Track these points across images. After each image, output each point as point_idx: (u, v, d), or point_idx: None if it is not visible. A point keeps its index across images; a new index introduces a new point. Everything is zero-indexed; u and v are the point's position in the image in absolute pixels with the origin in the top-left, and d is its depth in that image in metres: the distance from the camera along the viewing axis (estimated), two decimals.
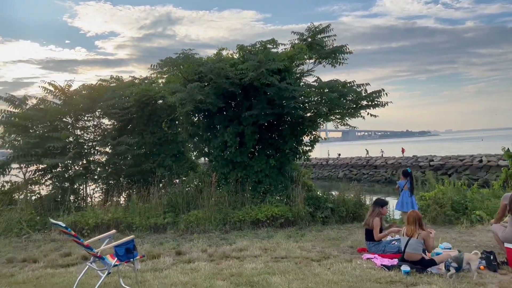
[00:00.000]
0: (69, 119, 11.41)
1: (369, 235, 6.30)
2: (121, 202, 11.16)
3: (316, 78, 10.29)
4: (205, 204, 9.62)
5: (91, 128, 11.52)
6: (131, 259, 4.70)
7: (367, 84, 9.19)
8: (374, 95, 9.20)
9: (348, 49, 10.62)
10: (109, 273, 4.62)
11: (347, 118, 10.65)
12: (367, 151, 54.93)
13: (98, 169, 11.42)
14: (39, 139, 10.44)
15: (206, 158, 11.53)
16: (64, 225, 4.37)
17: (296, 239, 7.46)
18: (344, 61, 10.73)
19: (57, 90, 10.94)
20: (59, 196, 10.96)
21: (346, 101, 9.14)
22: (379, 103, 9.31)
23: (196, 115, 10.50)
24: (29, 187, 11.65)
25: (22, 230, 9.13)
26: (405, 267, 5.05)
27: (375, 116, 9.66)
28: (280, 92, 9.07)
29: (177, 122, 12.88)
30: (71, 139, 11.04)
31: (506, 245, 5.18)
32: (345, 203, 9.77)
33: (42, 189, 11.71)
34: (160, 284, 5.11)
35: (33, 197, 11.40)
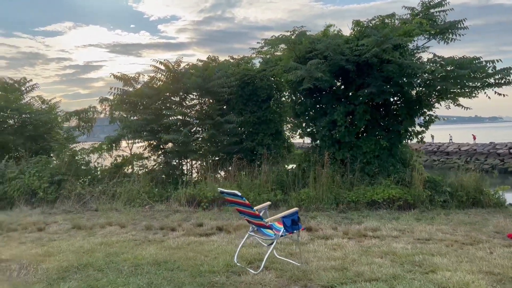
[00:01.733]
0: (177, 97, 11.83)
1: None
2: (220, 178, 11.50)
3: (433, 55, 9.70)
4: (310, 182, 9.62)
5: (197, 106, 11.87)
6: (295, 230, 4.73)
7: (498, 60, 8.47)
8: (504, 72, 8.47)
9: (463, 24, 9.88)
10: (273, 242, 4.69)
11: (461, 98, 9.99)
12: (451, 136, 51.31)
13: (203, 146, 11.78)
14: (154, 115, 10.95)
15: (307, 138, 11.45)
16: (239, 193, 4.47)
17: (428, 222, 7.16)
18: (459, 37, 10.03)
19: (167, 69, 11.33)
20: (170, 171, 11.51)
21: (475, 79, 8.53)
22: (509, 81, 8.57)
23: (304, 93, 10.36)
24: (138, 161, 12.39)
25: (143, 200, 9.72)
26: None
27: (504, 95, 8.93)
28: (401, 69, 8.66)
29: (272, 101, 12.95)
30: (179, 116, 11.45)
31: None
32: (463, 188, 9.24)
33: (150, 164, 12.37)
34: (315, 258, 5.13)
35: (141, 171, 12.12)
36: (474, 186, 9.25)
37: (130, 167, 12.32)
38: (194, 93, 11.74)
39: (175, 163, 11.59)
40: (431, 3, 10.11)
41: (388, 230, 6.56)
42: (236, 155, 10.93)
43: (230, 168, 11.06)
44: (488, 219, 7.33)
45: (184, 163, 12.18)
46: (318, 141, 10.79)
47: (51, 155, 12.51)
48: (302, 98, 10.60)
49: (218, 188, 5.09)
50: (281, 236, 4.65)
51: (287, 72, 9.21)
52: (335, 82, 9.21)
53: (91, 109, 14.14)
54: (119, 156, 12.40)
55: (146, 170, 12.07)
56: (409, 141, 10.38)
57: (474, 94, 9.58)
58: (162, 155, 11.71)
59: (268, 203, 5.28)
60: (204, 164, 12.13)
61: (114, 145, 12.36)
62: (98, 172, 11.65)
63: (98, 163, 12.19)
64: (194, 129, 11.80)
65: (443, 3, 10.06)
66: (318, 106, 10.43)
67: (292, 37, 9.53)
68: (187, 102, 12.03)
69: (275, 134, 12.65)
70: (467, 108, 10.49)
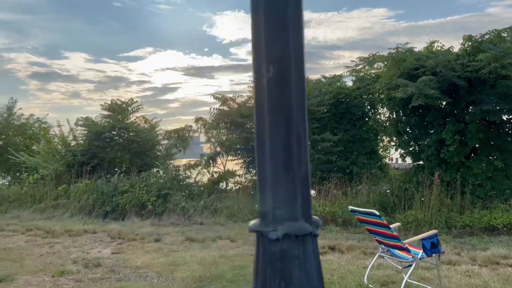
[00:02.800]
0: None
1: None
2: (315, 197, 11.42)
3: None
4: (417, 204, 9.19)
5: None
6: (435, 254, 4.52)
7: None
8: None
9: None
10: (410, 265, 4.52)
11: None
12: None
13: None
14: (251, 134, 11.28)
15: (408, 157, 11.00)
16: (377, 213, 4.40)
17: None
18: None
19: None
20: None
21: None
22: None
23: (408, 111, 10.03)
24: (232, 178, 12.81)
25: (244, 216, 9.96)
26: None
27: None
28: None
29: (367, 119, 12.71)
30: None
31: None
32: None
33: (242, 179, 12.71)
34: (453, 284, 4.84)
35: (234, 187, 12.51)
36: None
37: (225, 183, 12.80)
38: None
39: None
40: None
41: None
42: (334, 174, 10.81)
43: (320, 187, 10.92)
44: None
45: None
46: (421, 161, 10.33)
47: (157, 170, 13.39)
48: (405, 117, 10.26)
49: (350, 207, 5.06)
50: (420, 259, 4.47)
51: (392, 89, 9.00)
52: (447, 99, 8.79)
53: (188, 128, 14.96)
54: (215, 172, 12.92)
55: (240, 186, 12.43)
56: None
57: None
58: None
59: (399, 224, 5.11)
60: None
61: (211, 161, 12.92)
62: (199, 188, 12.21)
63: (196, 179, 12.82)
64: None
65: None
66: (423, 124, 10.01)
67: (395, 54, 9.32)
68: None
69: (370, 153, 12.36)
70: None
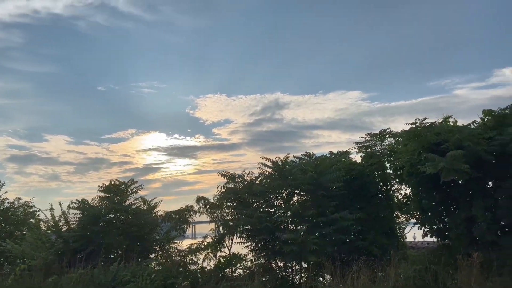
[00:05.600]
0: (283, 194, 11.54)
1: None
2: (325, 281, 10.49)
3: None
4: None
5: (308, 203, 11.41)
6: None
7: None
8: None
9: None
10: None
11: None
12: None
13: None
14: (265, 214, 10.61)
15: (432, 236, 10.38)
16: None
17: None
18: None
19: (275, 165, 11.23)
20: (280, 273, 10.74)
21: None
22: None
23: (429, 187, 9.65)
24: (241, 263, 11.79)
25: None
26: None
27: None
28: None
29: (382, 196, 12.25)
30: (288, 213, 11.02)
31: None
32: None
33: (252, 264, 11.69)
34: None
35: (244, 273, 11.45)
36: None
37: (233, 268, 11.75)
38: (297, 190, 11.40)
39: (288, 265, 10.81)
40: None
41: None
42: (358, 256, 10.00)
43: (334, 270, 10.02)
44: None
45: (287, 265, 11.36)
46: (448, 239, 9.73)
47: (155, 255, 12.30)
48: (427, 193, 9.85)
49: None
50: None
51: (417, 164, 8.68)
52: (476, 173, 8.48)
53: (189, 208, 14.14)
54: (222, 257, 11.92)
55: (248, 271, 11.39)
56: None
57: None
58: (277, 256, 10.91)
59: None
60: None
61: (218, 244, 12.00)
62: (204, 276, 11.13)
63: (199, 264, 11.78)
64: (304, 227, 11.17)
65: None
66: (447, 200, 9.58)
67: (415, 129, 9.18)
68: (293, 198, 11.67)
69: (388, 232, 11.70)
70: None
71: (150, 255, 12.85)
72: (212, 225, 13.42)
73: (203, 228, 18.60)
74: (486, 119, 9.09)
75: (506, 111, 8.76)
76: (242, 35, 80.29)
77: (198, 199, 12.97)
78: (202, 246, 11.85)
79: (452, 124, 10.49)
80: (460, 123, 10.28)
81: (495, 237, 8.94)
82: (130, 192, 13.72)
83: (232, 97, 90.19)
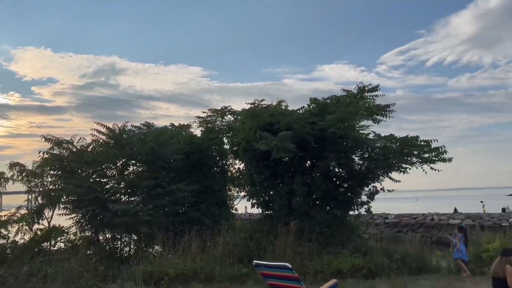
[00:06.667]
0: (118, 164, 10.96)
1: (498, 283, 6.51)
2: (155, 252, 10.57)
3: (374, 133, 10.79)
4: (266, 254, 9.46)
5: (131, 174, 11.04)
6: None
7: (435, 140, 9.84)
8: (440, 149, 9.80)
9: (393, 105, 11.34)
10: None
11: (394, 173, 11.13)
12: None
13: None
14: (96, 184, 9.87)
15: (259, 207, 11.37)
16: (290, 266, 4.19)
17: None
18: (385, 120, 11.42)
19: (112, 133, 10.53)
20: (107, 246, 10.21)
21: (420, 155, 9.68)
22: (445, 158, 9.89)
23: (260, 163, 10.49)
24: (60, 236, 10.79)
25: (88, 281, 8.31)
26: None
27: (439, 170, 10.21)
28: (357, 144, 9.43)
29: (217, 170, 12.79)
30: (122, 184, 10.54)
31: None
32: (408, 255, 9.96)
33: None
34: None
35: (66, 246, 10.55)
36: (417, 254, 10.06)
37: (52, 242, 10.65)
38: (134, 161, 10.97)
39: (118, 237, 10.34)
40: (366, 88, 11.47)
41: None
42: (190, 227, 10.22)
43: (167, 240, 10.17)
44: (452, 284, 7.95)
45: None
46: (271, 210, 10.81)
47: None
48: (258, 168, 10.68)
49: (254, 261, 4.69)
50: None
51: (253, 141, 9.31)
52: (300, 153, 9.57)
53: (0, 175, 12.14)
54: (40, 230, 10.66)
55: (71, 244, 10.54)
56: (356, 211, 10.98)
57: (409, 169, 10.70)
58: (106, 228, 10.27)
59: (335, 280, 5.00)
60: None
61: (36, 216, 10.69)
62: (14, 251, 9.81)
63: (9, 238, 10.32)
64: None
65: (376, 89, 11.51)
66: (274, 176, 10.58)
67: (253, 109, 9.82)
68: (129, 169, 11.18)
69: (221, 204, 12.32)
70: (398, 181, 11.66)
71: None
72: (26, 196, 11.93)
73: (14, 199, 16.24)
74: (311, 107, 10.33)
75: (328, 101, 10.13)
76: None
77: (12, 165, 11.32)
78: (15, 218, 10.35)
79: (284, 108, 11.59)
80: (290, 108, 11.49)
81: (308, 208, 10.31)
82: None
83: (60, 54, 79.88)
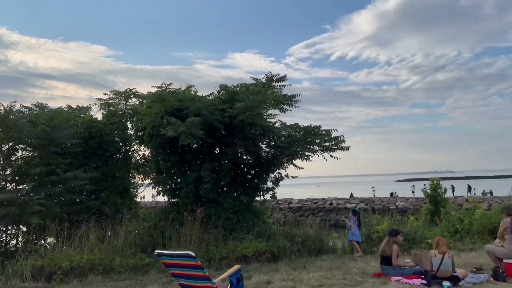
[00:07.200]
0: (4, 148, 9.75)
1: (386, 261, 7.17)
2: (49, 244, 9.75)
3: (280, 122, 11.13)
4: (182, 241, 9.31)
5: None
6: None
7: (335, 130, 10.46)
8: (339, 138, 10.44)
9: (299, 96, 11.83)
10: None
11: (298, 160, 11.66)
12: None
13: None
14: None
15: (165, 195, 11.04)
16: (193, 254, 4.09)
17: (307, 270, 7.85)
18: (291, 109, 11.89)
19: None
20: None
21: (321, 143, 10.19)
22: (343, 147, 10.57)
23: (167, 150, 10.14)
24: None
25: None
26: (446, 283, 6.02)
27: (338, 158, 10.88)
28: (264, 132, 9.62)
29: (119, 156, 12.13)
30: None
31: (506, 261, 6.63)
32: (309, 238, 10.55)
33: None
34: None
35: None
36: (315, 236, 10.69)
37: None
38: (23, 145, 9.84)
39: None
40: (274, 78, 11.74)
41: (279, 282, 6.89)
42: (88, 217, 9.52)
43: (61, 231, 9.41)
44: (346, 263, 8.57)
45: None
46: (178, 198, 10.58)
47: None
48: (165, 155, 10.33)
49: (156, 251, 4.47)
50: None
51: (160, 127, 8.94)
52: (209, 139, 9.43)
53: None
54: None
55: None
56: (262, 197, 11.26)
57: (311, 156, 11.27)
58: None
59: (238, 266, 4.91)
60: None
61: None
62: None
63: None
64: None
65: (283, 79, 11.84)
66: (182, 162, 10.33)
67: (161, 93, 9.43)
68: (17, 154, 10.00)
69: (122, 191, 11.71)
70: (301, 167, 12.22)
71: None
72: None
73: None
74: (221, 93, 10.25)
75: (237, 89, 10.13)
76: None
77: None
78: None
79: (193, 93, 11.34)
80: (200, 94, 11.27)
81: (216, 195, 10.29)
82: None
83: None
